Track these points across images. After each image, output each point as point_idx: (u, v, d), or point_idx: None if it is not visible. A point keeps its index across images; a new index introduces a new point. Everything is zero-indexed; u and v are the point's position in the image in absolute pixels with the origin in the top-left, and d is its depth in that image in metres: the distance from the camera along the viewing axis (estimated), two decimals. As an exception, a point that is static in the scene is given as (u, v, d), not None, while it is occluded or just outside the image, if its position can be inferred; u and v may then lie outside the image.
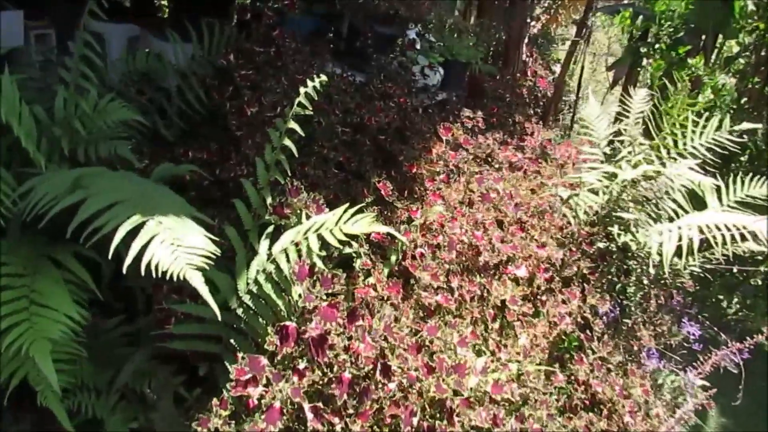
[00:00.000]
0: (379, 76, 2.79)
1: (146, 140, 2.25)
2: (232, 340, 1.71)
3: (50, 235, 1.65)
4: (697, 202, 2.57)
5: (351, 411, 1.50)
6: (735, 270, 3.52)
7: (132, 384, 1.90)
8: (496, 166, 2.87)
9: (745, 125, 2.64)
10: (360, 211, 1.62)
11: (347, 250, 2.12)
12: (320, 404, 1.50)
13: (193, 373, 1.92)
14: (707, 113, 3.39)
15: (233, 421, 1.56)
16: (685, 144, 2.54)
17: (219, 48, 2.56)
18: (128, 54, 2.38)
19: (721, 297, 3.70)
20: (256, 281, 1.58)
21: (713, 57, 4.16)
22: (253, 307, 1.62)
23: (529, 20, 4.68)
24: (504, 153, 2.88)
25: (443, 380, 1.50)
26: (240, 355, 1.48)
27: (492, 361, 1.91)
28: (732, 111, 3.69)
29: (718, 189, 2.58)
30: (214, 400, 1.53)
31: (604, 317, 2.26)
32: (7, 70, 1.72)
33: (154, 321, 1.88)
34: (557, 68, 5.41)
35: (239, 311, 1.64)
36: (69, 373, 1.66)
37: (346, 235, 1.53)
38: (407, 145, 2.57)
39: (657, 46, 4.12)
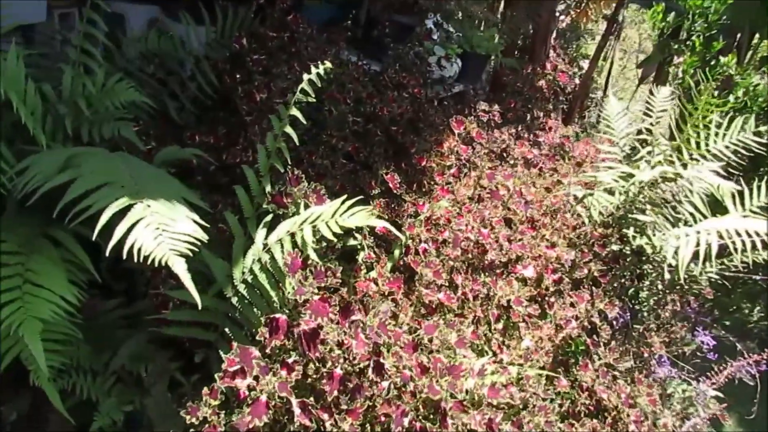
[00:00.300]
0: (395, 66, 2.73)
1: (155, 122, 2.23)
2: (227, 329, 1.68)
3: (50, 213, 1.64)
4: (718, 206, 2.47)
5: (343, 407, 1.47)
6: (758, 278, 3.41)
7: (129, 367, 1.89)
8: (511, 162, 2.80)
9: (771, 126, 2.53)
10: (362, 202, 1.57)
11: (352, 242, 2.09)
12: (311, 399, 1.47)
13: (191, 359, 1.90)
14: (736, 114, 3.28)
15: (223, 411, 1.54)
16: (707, 145, 2.45)
17: (233, 32, 2.53)
18: (142, 35, 2.36)
19: (743, 305, 3.60)
20: (251, 270, 1.55)
21: (747, 56, 4.02)
22: (248, 297, 1.59)
23: (558, 14, 4.56)
24: (520, 149, 2.81)
25: (436, 381, 1.45)
26: (235, 344, 1.46)
27: (493, 363, 1.86)
28: (764, 112, 3.55)
29: (740, 194, 2.48)
30: (205, 389, 1.51)
31: (614, 322, 2.20)
32: (14, 45, 1.71)
33: (152, 305, 1.87)
34: (585, 64, 5.28)
35: (234, 300, 1.62)
36: (63, 353, 1.65)
37: (346, 227, 1.49)
38: (420, 137, 2.52)
39: (689, 42, 3.99)
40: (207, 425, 1.50)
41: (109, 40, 2.28)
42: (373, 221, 1.43)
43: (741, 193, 2.51)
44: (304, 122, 1.62)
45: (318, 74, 1.55)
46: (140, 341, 1.86)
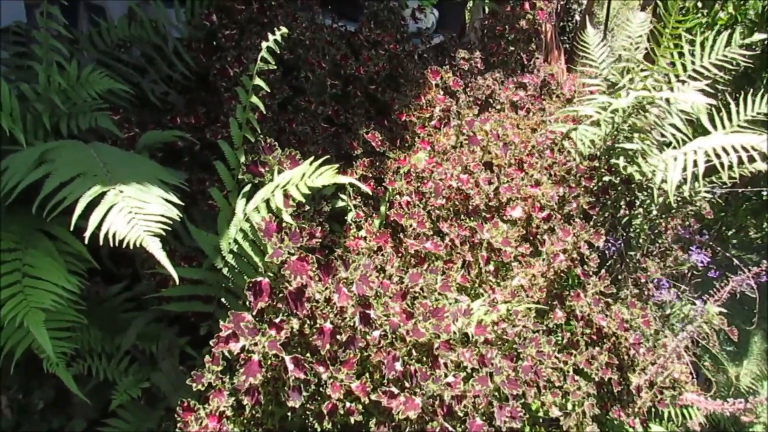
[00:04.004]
0: (370, 24, 2.71)
1: (136, 109, 2.27)
2: (222, 299, 1.75)
3: (43, 209, 1.71)
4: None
5: (339, 358, 1.53)
6: (765, 193, 3.39)
7: (141, 346, 1.98)
8: (498, 107, 2.79)
9: (756, 36, 2.48)
10: (346, 164, 1.60)
11: (339, 204, 2.13)
12: (308, 355, 1.54)
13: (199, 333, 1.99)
14: (726, 29, 3.20)
15: (227, 376, 1.61)
16: (684, 66, 2.41)
17: (203, 10, 2.54)
18: (111, 24, 2.38)
19: (748, 221, 3.59)
20: (235, 240, 1.61)
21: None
22: (236, 266, 1.65)
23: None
24: (505, 93, 2.80)
25: (421, 324, 1.50)
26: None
27: (488, 303, 1.91)
28: (755, 24, 3.47)
29: (727, 109, 2.45)
30: (207, 357, 1.58)
31: (607, 251, 2.22)
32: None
33: (153, 285, 1.94)
34: (585, -1, 5.14)
35: (225, 271, 1.68)
36: (73, 339, 1.74)
37: (315, 187, 1.52)
38: (400, 93, 2.52)
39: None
40: (213, 390, 1.58)
41: (89, 32, 2.32)
42: (339, 178, 1.47)
43: (727, 109, 2.48)
44: (268, 90, 1.64)
45: (276, 41, 1.57)
46: (144, 321, 1.93)
